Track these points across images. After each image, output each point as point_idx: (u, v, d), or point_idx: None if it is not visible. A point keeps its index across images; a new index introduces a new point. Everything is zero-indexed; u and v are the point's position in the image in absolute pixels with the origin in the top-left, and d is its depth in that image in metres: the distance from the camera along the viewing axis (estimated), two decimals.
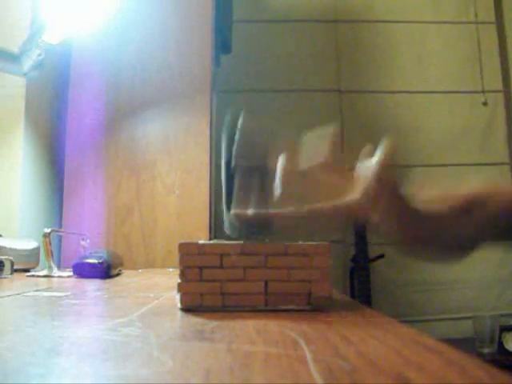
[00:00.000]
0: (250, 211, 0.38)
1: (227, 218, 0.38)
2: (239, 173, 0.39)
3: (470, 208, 0.42)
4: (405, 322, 0.30)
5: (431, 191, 0.44)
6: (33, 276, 0.80)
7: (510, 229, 0.44)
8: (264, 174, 0.38)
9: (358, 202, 0.38)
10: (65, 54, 1.30)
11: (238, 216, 0.38)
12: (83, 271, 0.77)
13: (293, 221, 0.38)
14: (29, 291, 0.53)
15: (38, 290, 0.55)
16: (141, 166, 1.25)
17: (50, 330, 0.30)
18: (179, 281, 0.35)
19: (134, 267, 1.15)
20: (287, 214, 0.38)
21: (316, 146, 0.40)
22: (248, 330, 0.28)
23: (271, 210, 0.38)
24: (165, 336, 0.27)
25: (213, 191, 1.27)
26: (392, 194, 0.39)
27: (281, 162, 0.37)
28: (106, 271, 0.77)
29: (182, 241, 0.36)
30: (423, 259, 0.44)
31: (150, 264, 1.19)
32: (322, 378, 0.18)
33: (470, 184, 0.45)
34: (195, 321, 0.32)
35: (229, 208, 0.38)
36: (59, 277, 0.79)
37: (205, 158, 1.25)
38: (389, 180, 0.38)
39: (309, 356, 0.21)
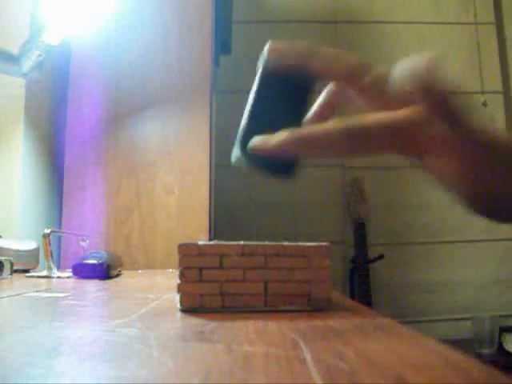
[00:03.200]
0: (275, 139, 0.28)
1: (239, 154, 0.29)
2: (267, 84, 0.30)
3: None
4: (404, 322, 0.30)
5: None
6: (32, 277, 0.80)
7: None
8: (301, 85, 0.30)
9: (409, 117, 0.28)
10: (65, 54, 1.30)
11: (257, 147, 0.28)
12: (83, 272, 0.77)
13: (329, 142, 0.29)
14: (28, 292, 0.53)
15: (37, 291, 0.55)
16: (141, 166, 1.25)
17: (49, 330, 0.30)
18: (179, 281, 0.35)
19: (134, 268, 1.15)
20: (325, 132, 0.29)
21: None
22: (248, 331, 0.28)
23: (304, 130, 0.30)
24: (164, 337, 0.27)
25: (212, 192, 1.27)
26: (448, 112, 0.28)
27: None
28: (105, 272, 0.77)
29: (182, 241, 0.36)
30: (493, 215, 0.32)
31: (149, 265, 1.19)
32: (321, 379, 0.18)
33: None
34: (195, 321, 0.32)
35: (243, 141, 0.29)
36: (59, 277, 0.79)
37: (205, 158, 1.25)
38: (440, 92, 0.28)
39: (308, 357, 0.21)
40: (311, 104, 0.32)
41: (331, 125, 0.29)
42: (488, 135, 0.29)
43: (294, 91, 0.31)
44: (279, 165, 0.28)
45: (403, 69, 0.27)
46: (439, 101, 0.27)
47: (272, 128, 0.28)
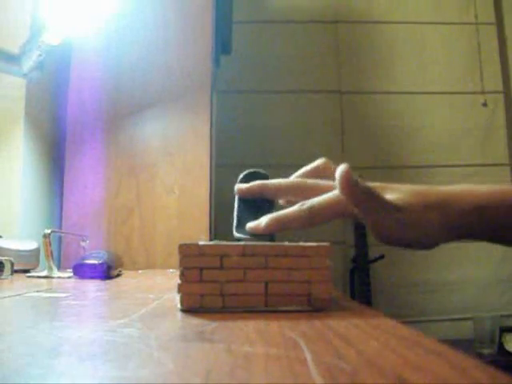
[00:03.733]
0: (263, 223, 0.45)
1: (238, 234, 0.46)
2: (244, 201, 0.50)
3: (437, 205, 0.46)
4: (405, 322, 0.30)
5: (406, 186, 0.48)
6: (33, 277, 0.80)
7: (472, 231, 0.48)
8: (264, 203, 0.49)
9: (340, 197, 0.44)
10: (65, 54, 1.31)
11: (252, 230, 0.45)
12: (83, 272, 0.77)
13: (299, 220, 0.45)
14: (29, 292, 0.53)
15: (38, 291, 0.55)
16: (141, 166, 1.25)
17: (50, 330, 0.30)
18: (179, 282, 0.35)
19: (134, 268, 1.15)
20: (294, 214, 0.45)
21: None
22: (248, 331, 0.28)
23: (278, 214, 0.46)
24: (165, 337, 0.27)
25: (213, 192, 1.27)
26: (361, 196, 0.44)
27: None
28: (106, 272, 0.77)
29: (182, 242, 0.36)
30: (399, 246, 0.47)
31: (150, 265, 1.20)
32: (322, 379, 0.18)
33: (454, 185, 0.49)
34: (195, 322, 0.32)
35: (239, 227, 0.47)
36: (59, 277, 0.79)
37: (205, 158, 1.25)
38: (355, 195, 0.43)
39: (309, 357, 0.21)
40: (276, 206, 0.50)
41: (296, 208, 0.45)
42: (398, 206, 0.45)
43: (262, 200, 0.49)
44: (263, 236, 0.45)
45: (336, 174, 0.42)
46: (352, 191, 0.42)
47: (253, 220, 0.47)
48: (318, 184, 0.48)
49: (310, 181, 0.50)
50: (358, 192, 0.42)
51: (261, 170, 0.52)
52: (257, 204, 0.48)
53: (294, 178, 0.52)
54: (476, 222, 0.46)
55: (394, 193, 0.46)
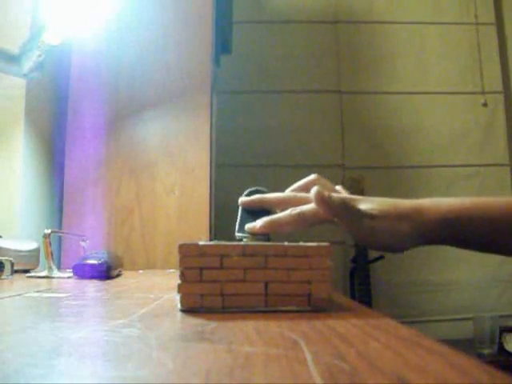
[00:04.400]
0: (259, 224, 0.52)
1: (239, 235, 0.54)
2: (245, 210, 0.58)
3: (408, 216, 0.52)
4: (405, 322, 0.30)
5: (381, 198, 0.54)
6: (33, 277, 0.80)
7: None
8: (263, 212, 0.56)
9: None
10: (65, 54, 1.31)
11: (250, 229, 0.53)
12: (83, 272, 0.77)
13: (290, 225, 0.52)
14: (29, 292, 0.53)
15: (38, 291, 0.55)
16: (141, 166, 1.25)
17: (50, 330, 0.30)
18: (179, 282, 0.35)
19: (134, 268, 1.15)
20: (285, 219, 0.52)
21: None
22: (248, 331, 0.28)
23: (275, 217, 0.53)
24: (165, 337, 0.27)
25: (213, 192, 1.27)
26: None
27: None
28: (106, 272, 0.77)
29: (182, 242, 0.36)
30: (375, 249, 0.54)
31: (150, 265, 1.20)
32: (321, 379, 0.18)
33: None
34: (195, 322, 0.32)
35: (240, 229, 0.54)
36: (59, 278, 0.79)
37: (205, 158, 1.25)
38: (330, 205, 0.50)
39: (309, 357, 0.21)
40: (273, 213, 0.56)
41: (287, 212, 0.53)
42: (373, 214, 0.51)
43: (261, 210, 0.57)
44: (259, 235, 0.53)
45: (311, 193, 0.51)
46: (327, 205, 0.50)
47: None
48: (307, 197, 0.56)
49: (301, 194, 0.58)
50: (332, 205, 0.50)
51: (261, 188, 0.60)
52: (257, 212, 0.57)
53: (288, 191, 0.60)
54: (443, 231, 0.53)
55: (369, 203, 0.53)
